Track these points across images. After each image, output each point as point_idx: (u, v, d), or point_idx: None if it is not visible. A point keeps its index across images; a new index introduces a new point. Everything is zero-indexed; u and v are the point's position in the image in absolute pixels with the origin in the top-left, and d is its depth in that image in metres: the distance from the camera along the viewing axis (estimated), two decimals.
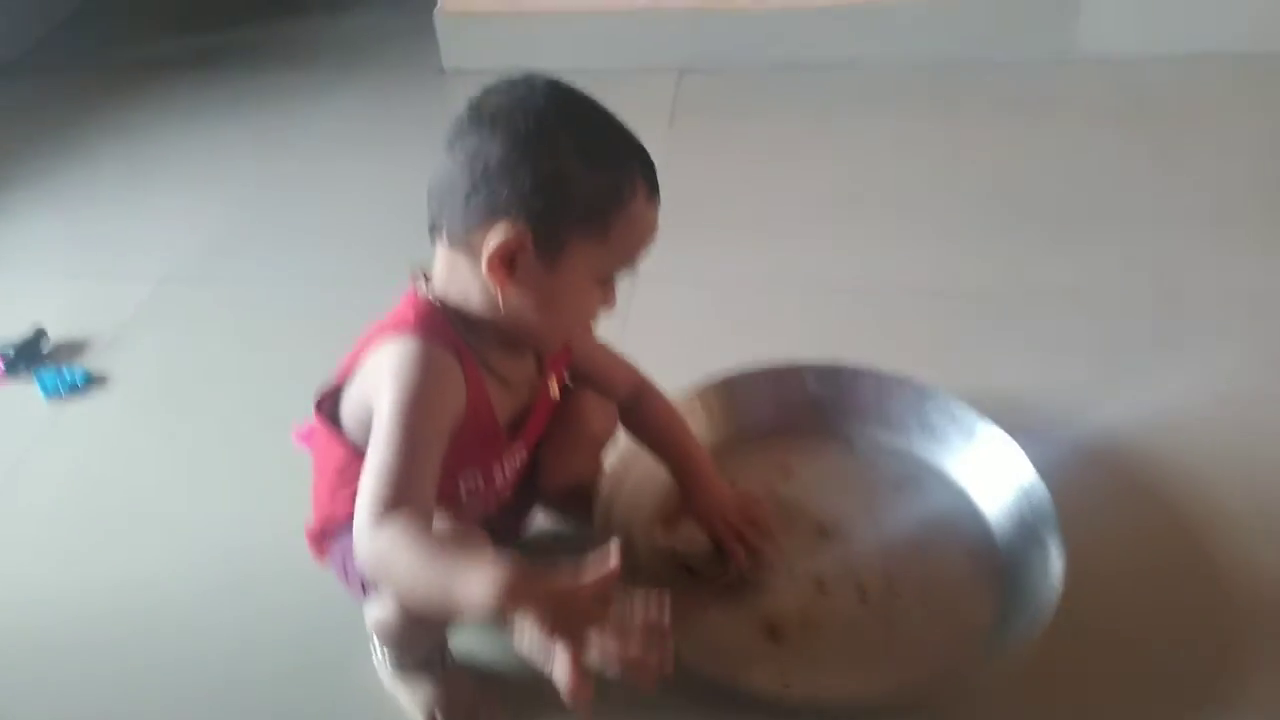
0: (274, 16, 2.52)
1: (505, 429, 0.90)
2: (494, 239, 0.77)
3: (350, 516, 0.76)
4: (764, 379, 1.20)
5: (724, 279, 1.50)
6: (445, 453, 0.80)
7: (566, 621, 0.63)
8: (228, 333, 1.50)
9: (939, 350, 1.32)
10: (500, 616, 0.64)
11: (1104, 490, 1.11)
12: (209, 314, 1.54)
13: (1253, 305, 1.36)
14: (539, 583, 0.65)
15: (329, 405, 0.89)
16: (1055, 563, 0.95)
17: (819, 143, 1.82)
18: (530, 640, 0.63)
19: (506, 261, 0.78)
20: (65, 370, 1.41)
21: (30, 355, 1.44)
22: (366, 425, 0.80)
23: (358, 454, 0.80)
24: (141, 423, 1.35)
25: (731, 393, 1.19)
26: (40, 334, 1.47)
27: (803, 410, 1.20)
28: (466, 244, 0.79)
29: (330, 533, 0.93)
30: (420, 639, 0.93)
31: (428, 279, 0.85)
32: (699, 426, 1.15)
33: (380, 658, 0.98)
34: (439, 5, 2.06)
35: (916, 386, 1.17)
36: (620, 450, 1.10)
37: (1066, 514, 0.99)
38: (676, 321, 1.41)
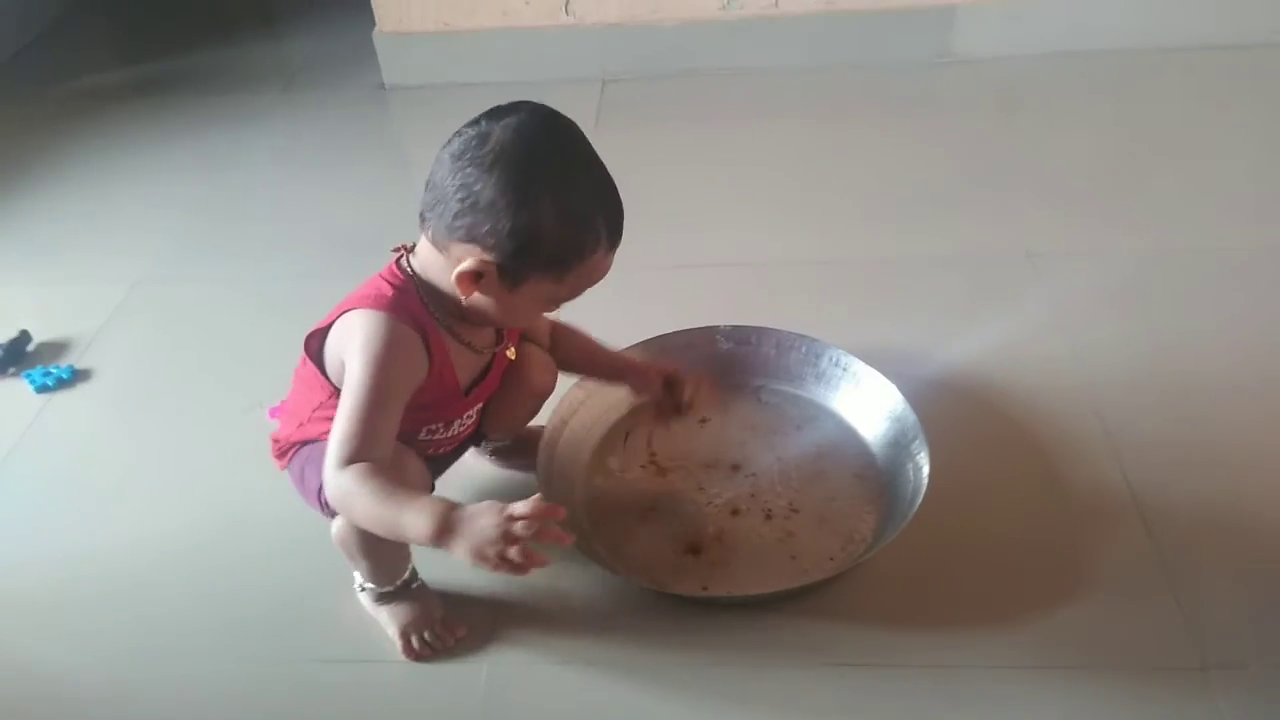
0: (219, 44, 2.66)
1: (465, 388, 1.05)
2: (467, 261, 0.92)
3: (313, 440, 1.01)
4: (682, 339, 1.39)
5: (646, 262, 1.68)
6: (409, 409, 0.96)
7: (481, 552, 0.84)
8: (197, 327, 1.64)
9: (830, 312, 1.52)
10: (436, 546, 0.86)
11: (965, 415, 1.32)
12: (179, 311, 1.68)
13: (1092, 261, 1.59)
14: (460, 524, 0.85)
15: (315, 344, 1.03)
16: (923, 471, 1.16)
17: (725, 141, 2.01)
18: (463, 559, 0.85)
19: (473, 279, 0.93)
20: (53, 367, 1.55)
21: (16, 355, 1.57)
22: (339, 372, 0.98)
23: (333, 394, 0.99)
24: (126, 408, 1.49)
25: (654, 352, 1.37)
26: (25, 335, 1.60)
27: (716, 365, 1.39)
28: (445, 248, 0.94)
29: (294, 449, 1.09)
30: (375, 550, 1.06)
31: (411, 252, 1.00)
32: None
33: (359, 588, 1.14)
34: (376, 26, 2.22)
35: (810, 341, 1.37)
36: (557, 407, 1.28)
37: (933, 435, 1.18)
38: (607, 300, 1.59)
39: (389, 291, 0.98)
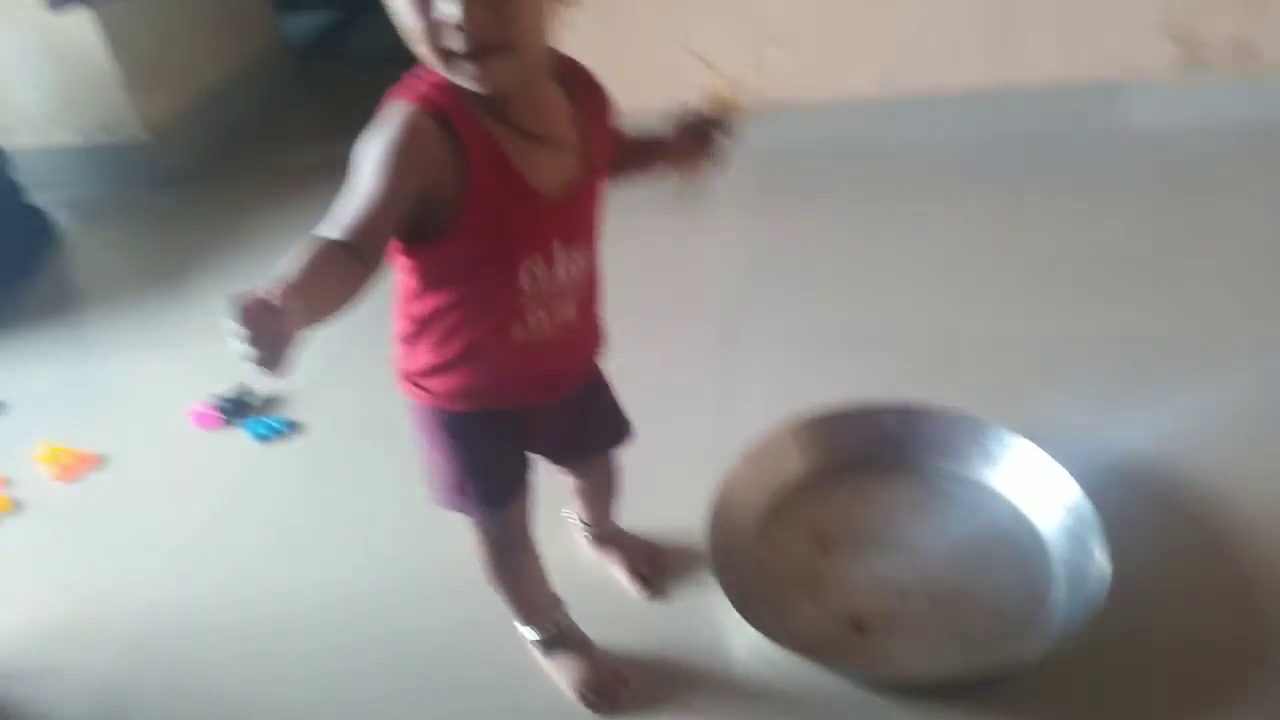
0: None
1: (544, 192, 0.89)
2: None
3: (406, 371, 1.01)
4: (847, 419, 1.43)
5: (811, 334, 1.74)
6: (496, 226, 0.86)
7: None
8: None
9: (998, 389, 1.52)
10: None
11: (1142, 506, 1.30)
12: (379, 370, 1.83)
13: (1274, 348, 1.54)
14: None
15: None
16: (1102, 567, 1.15)
17: (890, 216, 2.05)
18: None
19: None
20: (270, 419, 1.73)
21: (241, 408, 1.77)
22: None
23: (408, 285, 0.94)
24: (335, 460, 1.65)
25: (819, 430, 1.42)
26: (248, 390, 1.79)
27: (880, 446, 1.42)
28: None
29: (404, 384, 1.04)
30: (512, 582, 1.14)
31: None
32: (789, 457, 1.41)
33: (529, 642, 1.21)
34: None
35: (979, 421, 1.38)
36: (723, 478, 1.34)
37: (1109, 526, 1.18)
38: (772, 368, 1.66)
39: (420, 86, 0.85)
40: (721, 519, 1.31)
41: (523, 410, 1.04)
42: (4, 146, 2.39)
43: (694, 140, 1.03)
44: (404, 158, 0.81)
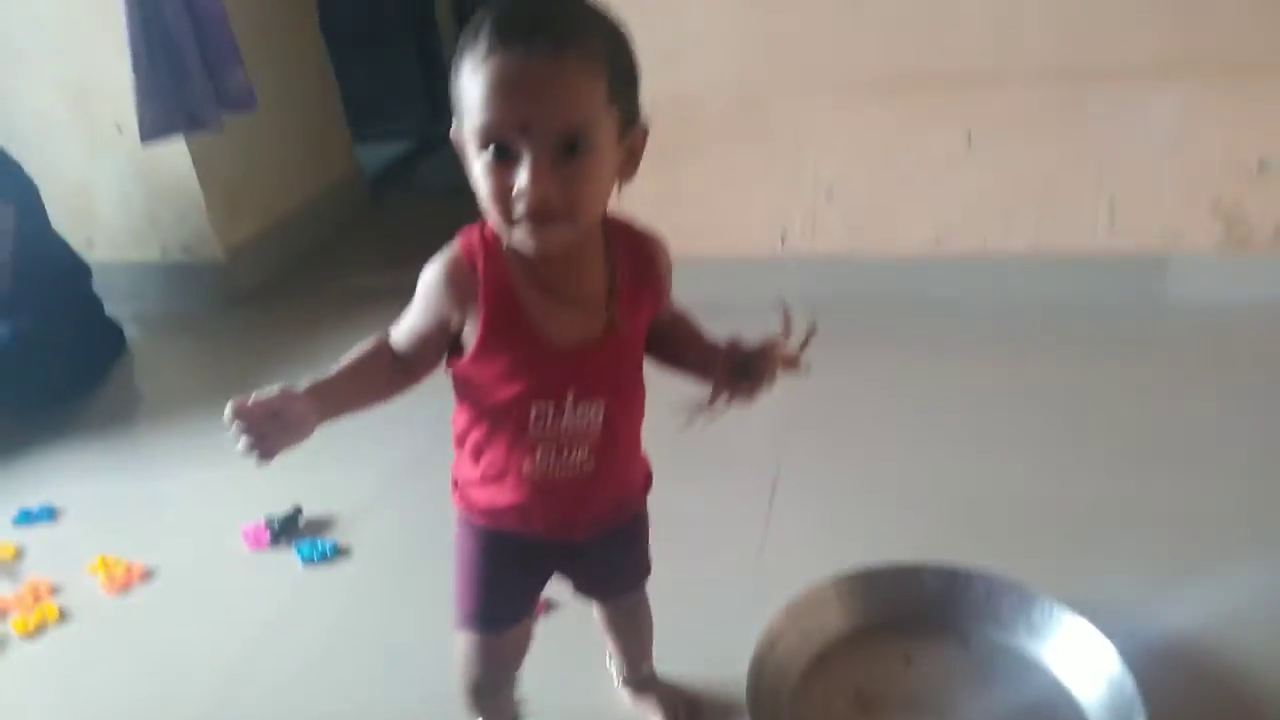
0: None
1: (556, 343, 0.93)
2: None
3: (453, 475, 1.08)
4: (888, 576, 1.43)
5: (854, 486, 1.76)
6: (501, 373, 0.94)
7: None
8: (442, 516, 1.82)
9: (1036, 557, 1.51)
10: None
11: (1185, 685, 1.28)
12: (430, 500, 1.87)
13: None
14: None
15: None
16: None
17: (934, 371, 2.09)
18: None
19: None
20: (318, 541, 1.76)
21: (289, 528, 1.80)
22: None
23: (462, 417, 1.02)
24: (379, 587, 1.67)
25: (861, 586, 1.42)
26: (298, 510, 1.83)
27: (921, 606, 1.42)
28: None
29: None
30: (479, 699, 1.18)
31: None
32: (831, 613, 1.40)
33: None
34: None
35: (1022, 590, 1.38)
36: (765, 629, 1.34)
37: (1153, 703, 1.17)
38: (812, 522, 1.67)
39: (467, 228, 0.95)
40: (761, 673, 1.30)
41: (541, 541, 1.07)
42: (88, 260, 2.54)
43: (736, 373, 0.99)
44: (434, 293, 0.93)
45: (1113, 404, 1.92)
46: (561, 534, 1.06)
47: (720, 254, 2.35)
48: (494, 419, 0.97)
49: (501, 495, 1.02)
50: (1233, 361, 2.00)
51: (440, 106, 4.00)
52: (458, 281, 0.91)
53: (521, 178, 0.81)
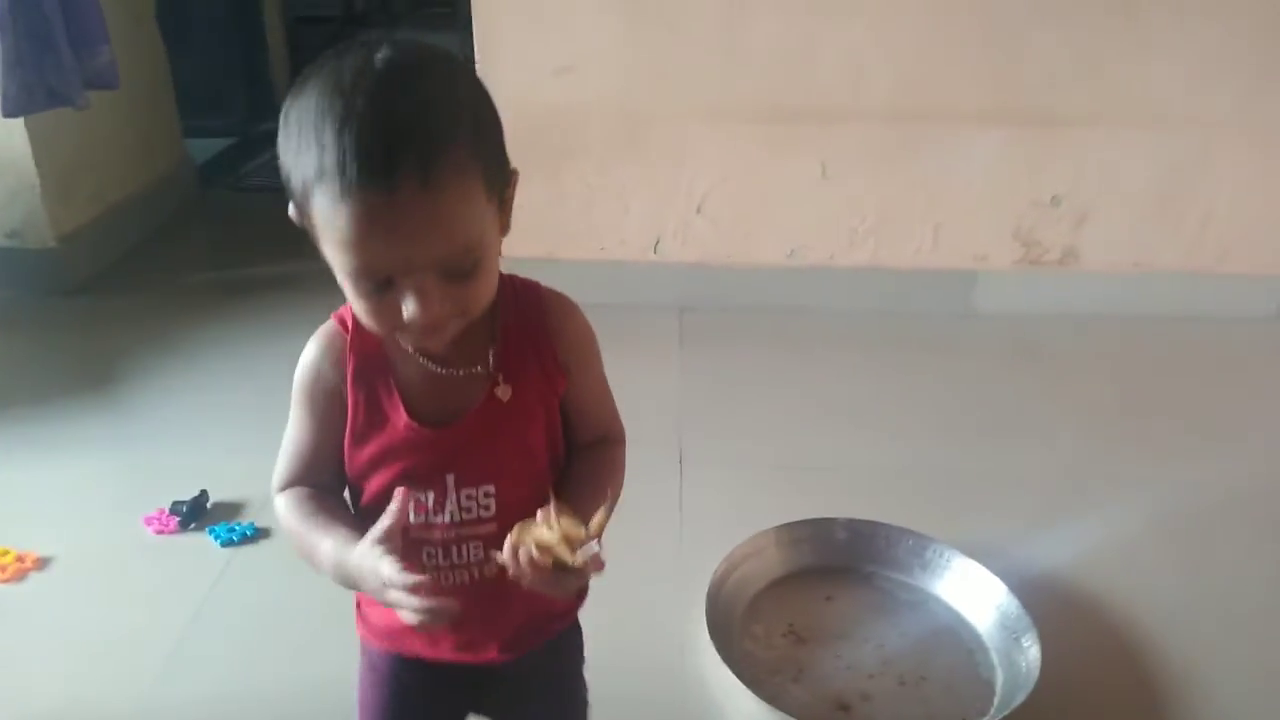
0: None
1: (423, 417, 0.81)
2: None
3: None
4: (807, 528, 1.65)
5: (746, 462, 1.96)
6: (374, 458, 0.82)
7: (385, 602, 0.73)
8: None
9: (915, 511, 1.76)
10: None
11: (1062, 606, 1.57)
12: None
13: (1114, 483, 1.91)
14: (356, 580, 0.76)
15: None
16: (1031, 655, 1.40)
17: (796, 365, 2.35)
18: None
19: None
20: (235, 525, 1.73)
21: (198, 513, 1.76)
22: None
23: None
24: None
25: (786, 537, 1.64)
26: (204, 494, 1.78)
27: (834, 553, 1.65)
28: None
29: None
30: None
31: None
32: (762, 561, 1.60)
33: None
34: None
35: (917, 535, 1.64)
36: (727, 557, 1.52)
37: (1038, 623, 1.45)
38: (721, 493, 1.86)
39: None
40: (716, 600, 1.49)
41: (451, 666, 0.90)
42: None
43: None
44: (311, 380, 0.83)
45: (935, 390, 2.26)
46: (473, 654, 0.89)
47: (598, 257, 2.51)
48: (373, 516, 0.77)
49: (389, 610, 0.80)
50: (1027, 357, 2.41)
51: (261, 106, 3.91)
52: (337, 359, 0.81)
53: (409, 308, 0.70)
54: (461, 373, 0.81)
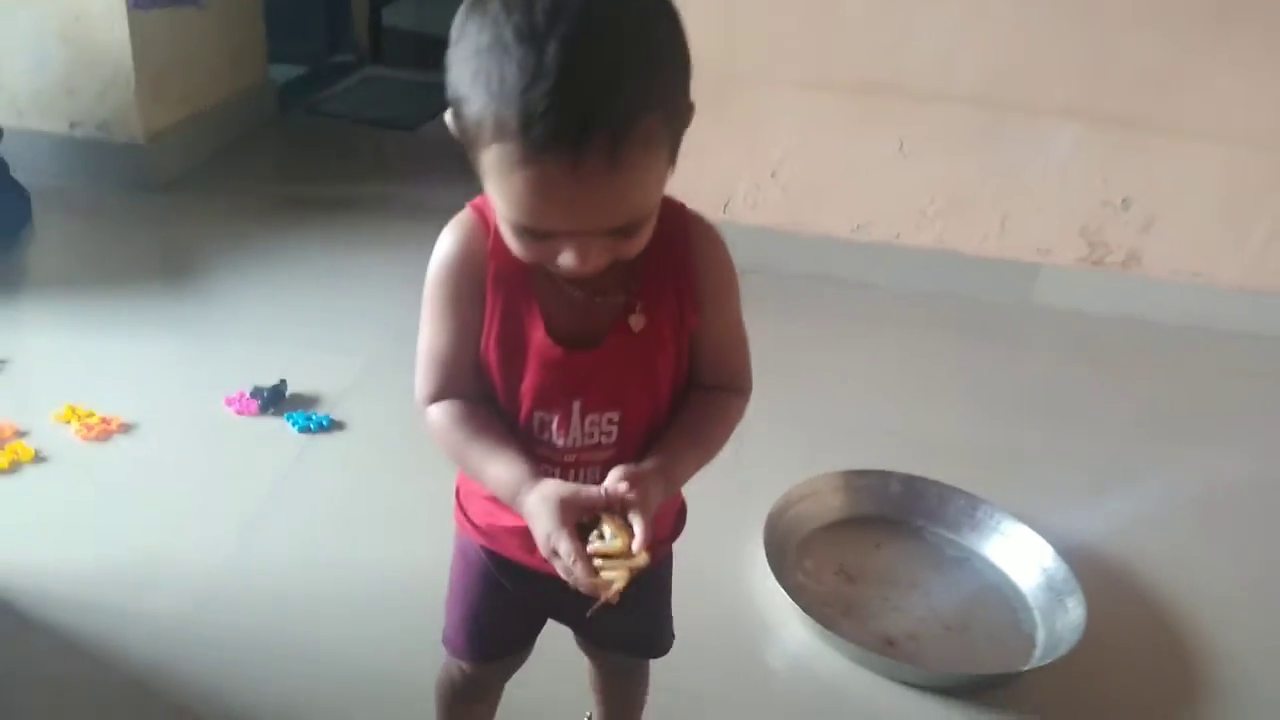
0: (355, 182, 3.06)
1: (562, 338, 0.79)
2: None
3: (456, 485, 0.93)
4: (862, 477, 1.71)
5: (803, 425, 2.01)
6: (504, 366, 0.80)
7: (545, 545, 0.74)
8: None
9: (970, 478, 1.81)
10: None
11: (1109, 570, 1.63)
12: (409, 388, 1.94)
13: (1157, 468, 1.95)
14: (526, 514, 0.75)
15: None
16: (1077, 612, 1.45)
17: (850, 338, 2.39)
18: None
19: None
20: (312, 414, 1.79)
21: (276, 399, 1.82)
22: None
23: None
24: (380, 456, 1.74)
25: (841, 483, 1.70)
26: (283, 383, 1.85)
27: (886, 505, 1.70)
28: None
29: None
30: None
31: None
32: (816, 504, 1.65)
33: None
34: None
35: (969, 495, 1.68)
36: (786, 493, 1.59)
37: (1083, 584, 1.50)
38: (776, 441, 1.91)
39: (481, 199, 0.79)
40: (775, 527, 1.56)
41: (543, 574, 0.83)
42: None
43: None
44: (452, 278, 0.80)
45: (992, 372, 2.30)
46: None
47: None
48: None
49: (502, 514, 0.85)
50: (1083, 353, 2.44)
51: (339, 39, 3.98)
52: (477, 255, 0.78)
53: (566, 260, 0.70)
54: (599, 299, 0.79)
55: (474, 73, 0.64)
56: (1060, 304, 2.56)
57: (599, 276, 0.75)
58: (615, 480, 0.74)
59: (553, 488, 0.74)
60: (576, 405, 0.81)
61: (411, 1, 5.45)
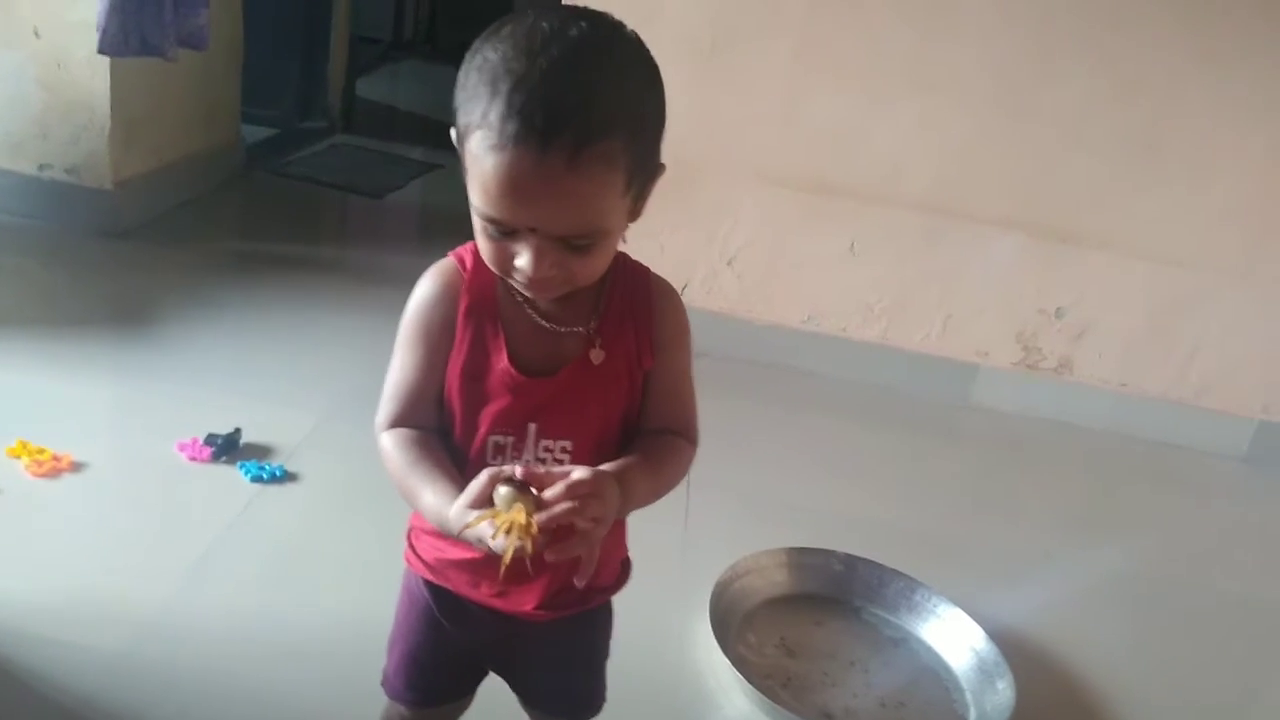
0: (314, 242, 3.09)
1: (521, 366, 0.85)
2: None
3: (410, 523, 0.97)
4: (805, 555, 1.75)
5: (752, 495, 2.06)
6: (471, 386, 0.86)
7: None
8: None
9: (904, 561, 1.87)
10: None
11: (1037, 652, 1.68)
12: (369, 438, 1.94)
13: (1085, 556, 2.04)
14: (455, 525, 0.77)
15: None
16: (1005, 695, 1.50)
17: (797, 423, 2.47)
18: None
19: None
20: (265, 464, 1.80)
21: (230, 447, 1.82)
22: None
23: None
24: (331, 508, 1.75)
25: (784, 560, 1.74)
26: (238, 431, 1.85)
27: (827, 583, 1.75)
28: None
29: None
30: None
31: None
32: (760, 579, 1.70)
33: None
34: None
35: (907, 578, 1.74)
36: (734, 565, 1.62)
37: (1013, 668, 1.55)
38: (723, 514, 1.95)
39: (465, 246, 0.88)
40: (720, 599, 1.59)
41: (483, 611, 0.93)
42: None
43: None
44: (423, 317, 0.87)
45: (930, 465, 2.40)
46: (513, 603, 0.92)
47: None
48: (455, 446, 0.88)
49: (450, 548, 0.91)
50: (1015, 452, 2.55)
51: (310, 105, 4.06)
52: (452, 293, 0.86)
53: (521, 259, 0.78)
54: (564, 330, 0.86)
55: (477, 77, 0.75)
56: (995, 403, 2.67)
57: (563, 309, 0.85)
58: (577, 473, 0.77)
59: (461, 498, 0.77)
60: (532, 429, 0.86)
61: (386, 75, 5.60)
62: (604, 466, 0.82)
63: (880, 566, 1.76)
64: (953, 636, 1.66)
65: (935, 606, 1.70)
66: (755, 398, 2.53)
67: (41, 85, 2.57)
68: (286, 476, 1.79)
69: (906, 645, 1.68)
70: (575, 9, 0.77)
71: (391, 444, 0.86)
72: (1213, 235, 2.53)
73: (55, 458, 1.70)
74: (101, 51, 2.29)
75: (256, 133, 3.74)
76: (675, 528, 1.87)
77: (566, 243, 0.77)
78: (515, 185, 0.74)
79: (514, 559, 0.73)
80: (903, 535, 2.01)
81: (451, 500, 0.79)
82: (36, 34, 2.52)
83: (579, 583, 0.79)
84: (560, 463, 0.87)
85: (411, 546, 0.97)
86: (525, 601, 0.92)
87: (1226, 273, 2.55)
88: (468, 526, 0.75)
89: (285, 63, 3.90)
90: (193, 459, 1.78)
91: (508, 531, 0.73)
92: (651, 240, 2.60)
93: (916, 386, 2.67)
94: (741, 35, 2.47)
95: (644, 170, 0.79)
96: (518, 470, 0.76)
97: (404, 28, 6.35)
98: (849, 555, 1.77)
